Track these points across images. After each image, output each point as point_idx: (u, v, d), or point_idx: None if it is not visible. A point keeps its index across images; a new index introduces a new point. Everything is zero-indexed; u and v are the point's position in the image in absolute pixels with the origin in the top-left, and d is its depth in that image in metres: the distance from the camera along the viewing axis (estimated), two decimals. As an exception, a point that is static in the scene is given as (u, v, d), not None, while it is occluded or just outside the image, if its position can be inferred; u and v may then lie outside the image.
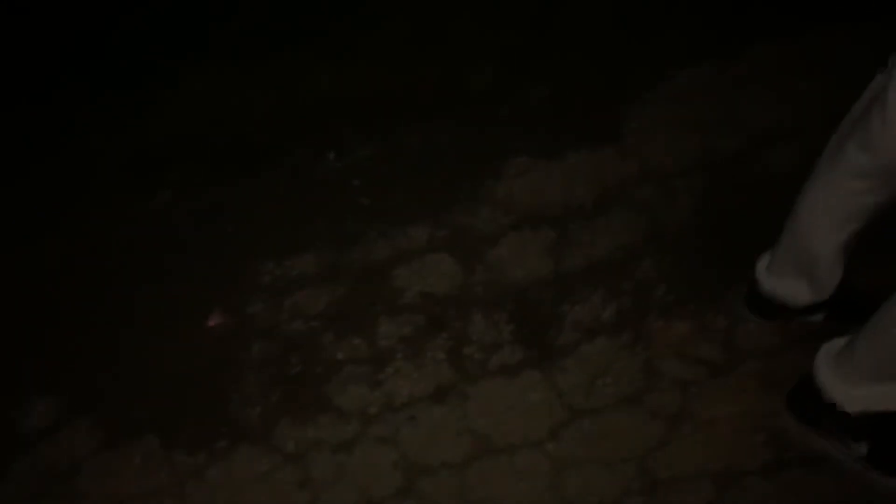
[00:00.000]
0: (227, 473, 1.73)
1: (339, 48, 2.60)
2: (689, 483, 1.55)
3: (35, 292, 2.16)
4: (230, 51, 2.71)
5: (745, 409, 1.61)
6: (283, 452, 1.71)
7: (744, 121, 2.13)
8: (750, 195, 1.98)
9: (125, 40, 2.82)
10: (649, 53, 2.27)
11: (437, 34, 2.53)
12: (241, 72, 2.65)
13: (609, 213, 1.99)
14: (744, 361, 1.68)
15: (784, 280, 1.59)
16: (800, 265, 1.53)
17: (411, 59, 2.50)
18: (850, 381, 1.38)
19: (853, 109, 1.31)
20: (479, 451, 1.62)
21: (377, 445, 1.68)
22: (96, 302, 2.09)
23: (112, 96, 2.64)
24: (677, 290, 1.81)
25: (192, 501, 1.71)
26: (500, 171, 2.13)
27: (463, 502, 1.60)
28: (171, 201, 2.33)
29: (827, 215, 1.40)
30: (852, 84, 2.17)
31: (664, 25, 2.32)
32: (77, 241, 2.25)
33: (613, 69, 2.26)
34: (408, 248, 1.99)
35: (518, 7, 2.47)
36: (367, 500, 1.63)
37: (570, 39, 2.36)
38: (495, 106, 2.30)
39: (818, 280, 1.53)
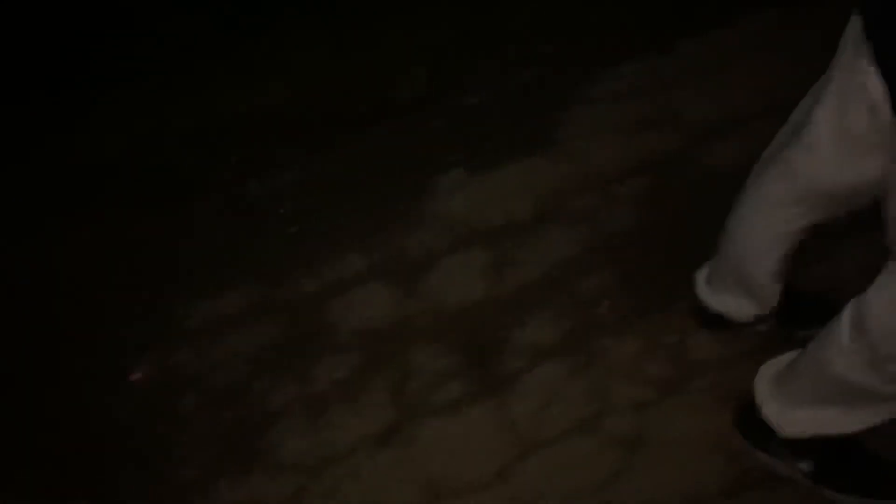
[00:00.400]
0: (163, 541, 1.61)
1: (259, 64, 2.47)
2: (650, 512, 1.48)
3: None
4: (145, 71, 2.55)
5: (702, 429, 1.54)
6: (222, 514, 1.60)
7: (682, 117, 2.07)
8: (693, 196, 1.92)
9: (33, 65, 2.63)
10: (581, 55, 2.19)
11: (361, 44, 2.41)
12: (156, 93, 2.49)
13: (549, 225, 1.91)
14: (697, 377, 1.62)
15: (725, 296, 1.55)
16: (738, 285, 1.49)
17: (336, 71, 2.39)
18: (788, 405, 1.35)
19: (776, 138, 1.27)
20: (429, 499, 1.53)
21: (321, 500, 1.57)
22: (9, 357, 1.93)
23: (21, 123, 2.46)
24: (624, 305, 1.74)
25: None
26: (434, 187, 2.03)
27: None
28: (90, 238, 2.17)
29: (758, 242, 1.37)
30: (789, 71, 2.13)
31: (594, 25, 2.24)
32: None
33: (545, 73, 2.18)
34: (341, 279, 1.88)
35: (445, 13, 2.37)
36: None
37: (499, 43, 2.26)
38: (427, 117, 2.19)
39: (758, 297, 1.49)
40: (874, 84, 0.94)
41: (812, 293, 1.63)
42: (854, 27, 1.01)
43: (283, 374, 1.75)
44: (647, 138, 2.02)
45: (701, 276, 1.62)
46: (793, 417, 1.34)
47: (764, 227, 1.33)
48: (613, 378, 1.64)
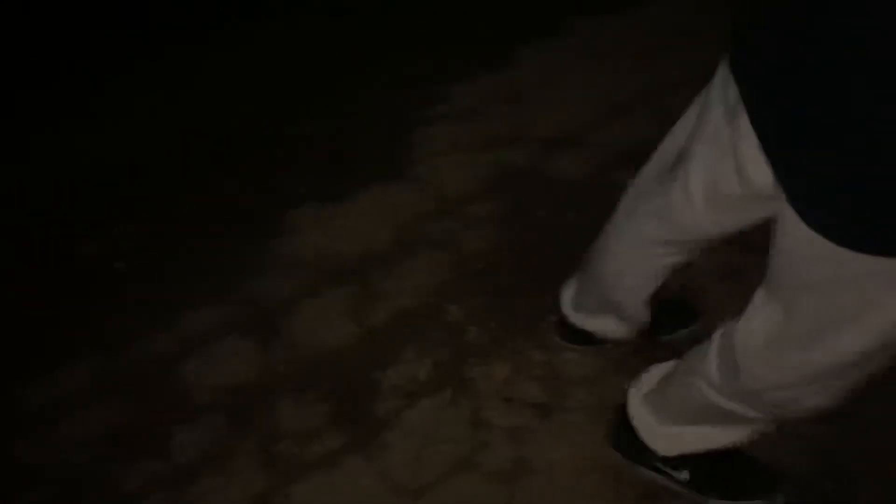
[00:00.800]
0: None
1: (76, 111, 2.25)
2: (538, 542, 1.46)
3: None
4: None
5: (580, 449, 1.54)
6: None
7: (530, 130, 2.07)
8: (548, 209, 1.93)
9: None
10: (426, 73, 2.14)
11: (192, 81, 2.25)
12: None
13: (410, 254, 1.86)
14: (570, 396, 1.62)
15: (594, 318, 1.54)
16: (609, 310, 1.48)
17: (167, 113, 2.21)
18: (661, 425, 1.36)
19: (649, 166, 1.21)
20: (311, 568, 1.45)
21: (195, 586, 1.45)
22: None
23: None
24: (490, 330, 1.72)
25: None
26: (287, 225, 1.94)
27: None
28: None
29: (633, 279, 1.35)
30: (625, 75, 2.19)
31: (435, 44, 2.19)
32: None
33: (391, 94, 2.11)
34: (194, 337, 1.75)
35: (279, 40, 2.25)
36: None
37: (340, 68, 2.17)
38: (269, 151, 2.08)
39: (630, 320, 1.49)
40: (746, 149, 0.90)
41: (671, 298, 1.66)
42: (725, 81, 0.95)
43: (140, 451, 1.60)
44: (498, 155, 2.01)
45: (567, 294, 1.61)
46: (667, 437, 1.36)
47: (641, 266, 1.30)
48: (488, 407, 1.62)
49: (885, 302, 0.84)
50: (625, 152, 1.96)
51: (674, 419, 1.33)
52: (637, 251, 1.27)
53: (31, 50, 2.33)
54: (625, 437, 1.44)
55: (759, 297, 1.03)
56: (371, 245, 1.87)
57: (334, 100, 2.10)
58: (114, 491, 1.56)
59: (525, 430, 1.58)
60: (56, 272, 1.90)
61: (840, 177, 0.76)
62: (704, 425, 1.29)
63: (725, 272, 1.77)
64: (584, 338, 1.63)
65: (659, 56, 2.10)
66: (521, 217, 1.90)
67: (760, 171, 0.88)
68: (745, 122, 0.88)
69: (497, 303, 1.76)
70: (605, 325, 1.54)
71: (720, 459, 1.39)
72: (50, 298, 1.84)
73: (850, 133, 0.73)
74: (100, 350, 1.74)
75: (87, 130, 2.15)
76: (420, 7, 2.20)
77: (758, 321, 1.03)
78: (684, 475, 1.40)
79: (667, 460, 1.40)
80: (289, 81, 2.15)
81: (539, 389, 1.64)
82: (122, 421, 1.65)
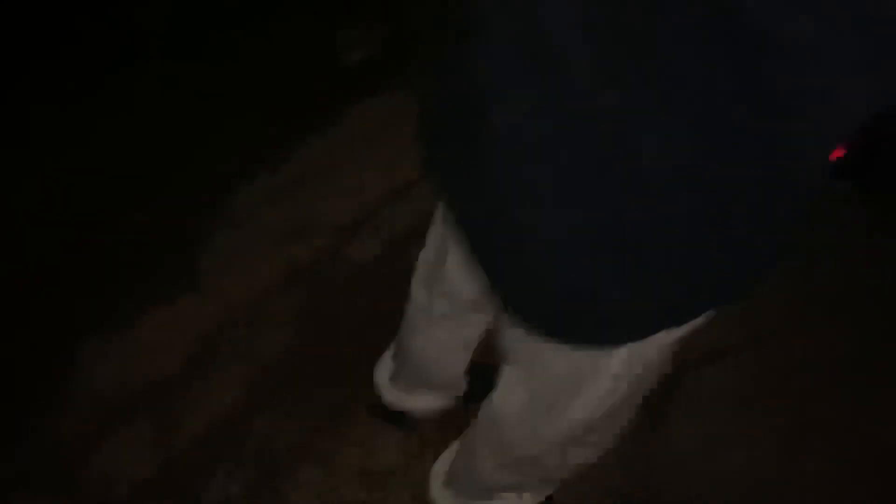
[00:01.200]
0: None
1: None
2: None
3: None
4: None
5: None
6: None
7: (319, 220, 2.05)
8: (347, 296, 1.91)
9: None
10: (203, 181, 2.07)
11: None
12: None
13: (208, 370, 1.78)
14: (388, 487, 1.60)
15: (412, 396, 1.53)
16: (424, 385, 1.48)
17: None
18: (461, 501, 1.37)
19: (422, 259, 1.22)
20: None
21: None
22: None
23: None
24: (300, 435, 1.67)
25: None
26: (73, 361, 1.79)
27: None
28: None
29: (442, 351, 1.34)
30: (407, 151, 2.23)
31: (209, 148, 2.11)
32: None
33: (170, 209, 2.02)
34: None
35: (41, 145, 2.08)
36: None
37: (112, 191, 2.04)
38: (47, 283, 1.93)
39: (448, 391, 1.50)
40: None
41: (480, 363, 1.66)
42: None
43: None
44: (289, 250, 1.97)
45: (381, 376, 1.59)
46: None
47: (451, 341, 1.30)
48: (307, 517, 1.56)
49: (598, 372, 0.88)
50: (417, 229, 1.98)
51: (472, 495, 1.34)
52: (443, 329, 1.28)
53: None
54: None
55: (505, 371, 1.06)
56: (164, 368, 1.78)
57: (109, 225, 1.99)
58: None
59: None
60: None
61: (529, 284, 0.79)
62: (501, 496, 1.30)
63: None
64: (400, 418, 1.61)
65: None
66: (321, 309, 1.88)
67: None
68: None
69: (304, 405, 1.72)
70: (422, 402, 1.54)
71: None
72: None
73: (524, 241, 0.75)
74: None
75: None
76: (185, 115, 2.14)
77: (507, 396, 1.06)
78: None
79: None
80: (60, 214, 2.01)
81: (357, 487, 1.61)
82: None
